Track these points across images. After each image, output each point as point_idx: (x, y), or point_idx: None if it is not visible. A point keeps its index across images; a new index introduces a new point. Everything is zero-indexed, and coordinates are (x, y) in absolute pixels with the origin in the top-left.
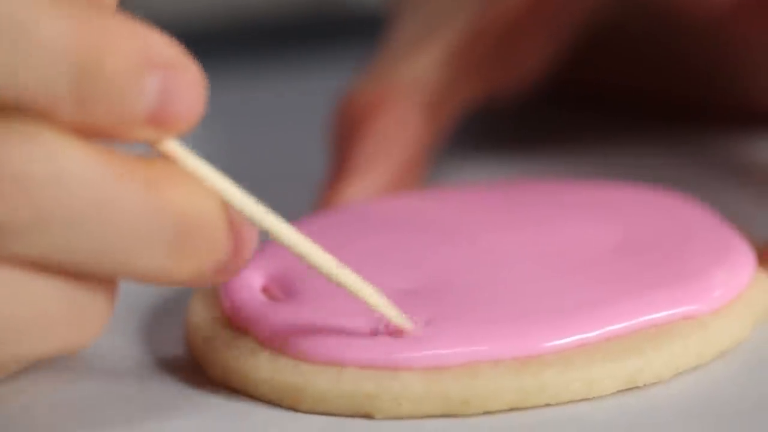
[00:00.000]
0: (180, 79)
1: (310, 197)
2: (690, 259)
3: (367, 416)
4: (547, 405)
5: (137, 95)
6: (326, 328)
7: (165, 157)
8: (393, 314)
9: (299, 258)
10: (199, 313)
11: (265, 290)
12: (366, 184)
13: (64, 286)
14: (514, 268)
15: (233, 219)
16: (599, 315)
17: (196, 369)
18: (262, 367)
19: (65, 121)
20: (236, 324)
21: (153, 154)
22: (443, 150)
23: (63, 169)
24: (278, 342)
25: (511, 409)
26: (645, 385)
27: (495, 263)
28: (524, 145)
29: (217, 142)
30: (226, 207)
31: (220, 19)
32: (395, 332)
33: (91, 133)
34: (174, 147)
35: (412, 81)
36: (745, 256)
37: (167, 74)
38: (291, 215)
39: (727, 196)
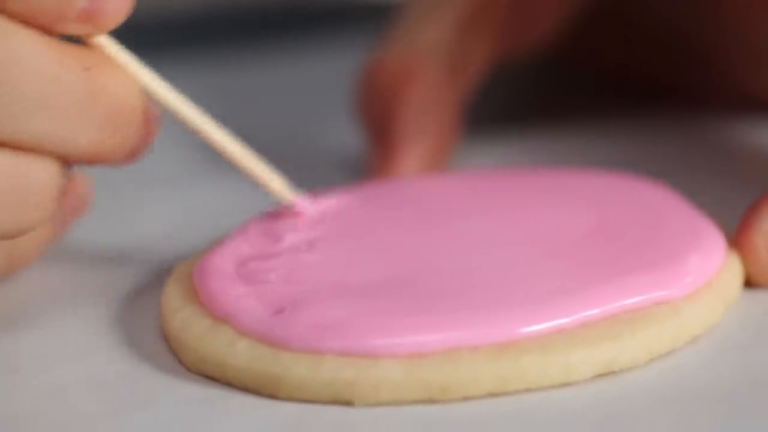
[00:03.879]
0: None
1: (310, 174)
2: (662, 246)
3: (347, 403)
4: (526, 390)
5: None
6: (304, 315)
7: (95, 48)
8: (282, 191)
9: (200, 137)
10: (174, 302)
11: (238, 275)
12: (417, 158)
13: (9, 163)
14: (491, 255)
15: (147, 105)
16: (576, 301)
17: (171, 357)
18: (241, 355)
19: (11, 11)
20: (213, 313)
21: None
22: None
23: (13, 52)
24: (257, 331)
25: (490, 395)
26: (621, 370)
27: (471, 249)
28: (516, 127)
29: (235, 119)
30: (144, 93)
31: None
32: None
33: (31, 25)
34: (103, 40)
35: (433, 46)
36: (716, 242)
37: None
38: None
39: (710, 181)
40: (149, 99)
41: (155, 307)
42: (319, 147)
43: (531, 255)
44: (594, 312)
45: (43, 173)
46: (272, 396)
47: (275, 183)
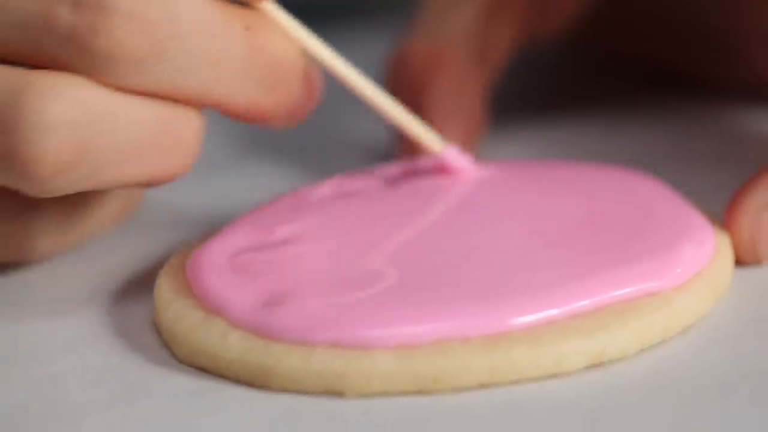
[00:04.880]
0: None
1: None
2: (653, 237)
3: (338, 395)
4: (517, 381)
5: None
6: (296, 307)
7: (257, 9)
8: (423, 134)
9: (361, 96)
10: (167, 294)
11: (231, 267)
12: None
13: (164, 111)
14: (481, 246)
15: (308, 67)
16: (567, 292)
17: (163, 348)
18: (233, 347)
19: None
20: (205, 305)
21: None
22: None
23: (178, 9)
24: (249, 323)
25: (481, 386)
26: (611, 361)
27: (461, 241)
28: (529, 117)
29: None
30: (305, 56)
31: None
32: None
33: None
34: (267, 3)
35: (460, 31)
36: (705, 233)
37: None
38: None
39: (718, 171)
40: (311, 62)
41: (148, 299)
42: (346, 133)
43: (522, 246)
44: (585, 303)
45: (191, 124)
46: (264, 387)
47: (427, 135)
